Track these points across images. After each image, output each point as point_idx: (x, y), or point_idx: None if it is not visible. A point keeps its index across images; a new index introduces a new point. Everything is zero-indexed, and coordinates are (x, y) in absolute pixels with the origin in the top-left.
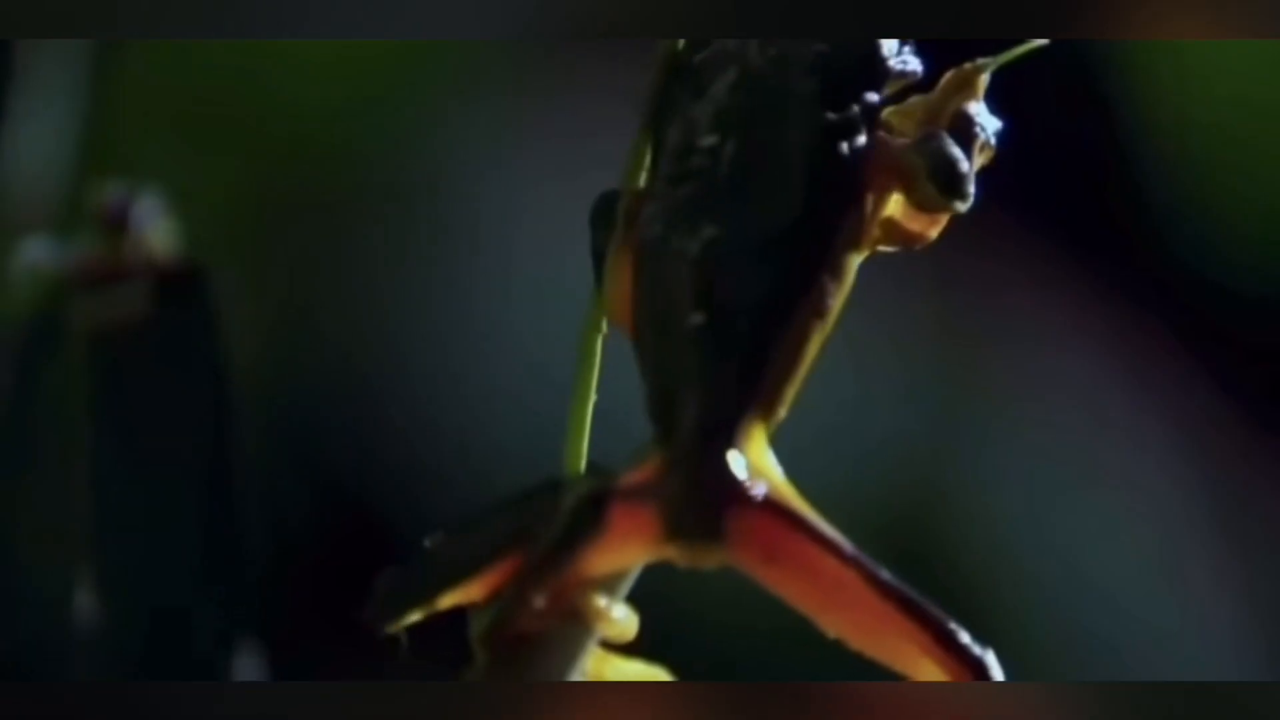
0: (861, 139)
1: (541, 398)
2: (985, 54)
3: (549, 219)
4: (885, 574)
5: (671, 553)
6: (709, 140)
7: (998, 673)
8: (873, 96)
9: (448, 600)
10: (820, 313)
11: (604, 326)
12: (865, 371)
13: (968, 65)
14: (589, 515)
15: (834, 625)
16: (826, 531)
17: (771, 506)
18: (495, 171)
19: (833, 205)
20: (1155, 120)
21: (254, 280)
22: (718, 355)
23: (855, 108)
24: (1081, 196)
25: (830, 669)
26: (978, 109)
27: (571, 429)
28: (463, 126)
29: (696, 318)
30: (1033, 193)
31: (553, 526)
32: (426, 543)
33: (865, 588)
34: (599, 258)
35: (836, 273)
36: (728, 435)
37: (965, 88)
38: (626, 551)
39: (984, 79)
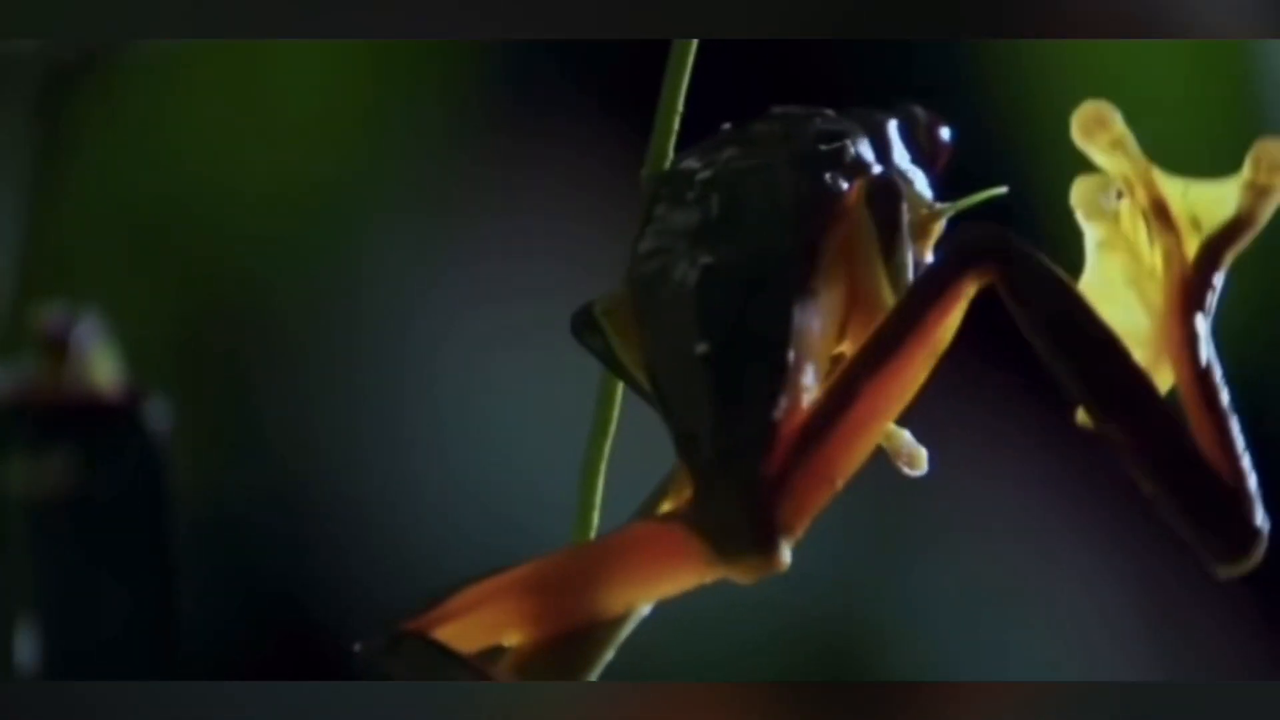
0: (843, 168)
1: (480, 515)
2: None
3: (484, 341)
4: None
5: (728, 574)
6: (701, 176)
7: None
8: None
9: None
10: (814, 332)
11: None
12: None
13: (924, 211)
14: (385, 646)
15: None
16: (824, 406)
17: (796, 474)
18: (433, 297)
19: (816, 229)
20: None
21: (195, 403)
22: (727, 379)
23: (847, 145)
24: (1017, 331)
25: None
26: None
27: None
28: (403, 251)
29: (701, 346)
30: (970, 327)
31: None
32: None
33: (875, 373)
34: (603, 354)
35: (823, 290)
36: (753, 458)
37: (922, 235)
38: (672, 578)
39: (940, 225)
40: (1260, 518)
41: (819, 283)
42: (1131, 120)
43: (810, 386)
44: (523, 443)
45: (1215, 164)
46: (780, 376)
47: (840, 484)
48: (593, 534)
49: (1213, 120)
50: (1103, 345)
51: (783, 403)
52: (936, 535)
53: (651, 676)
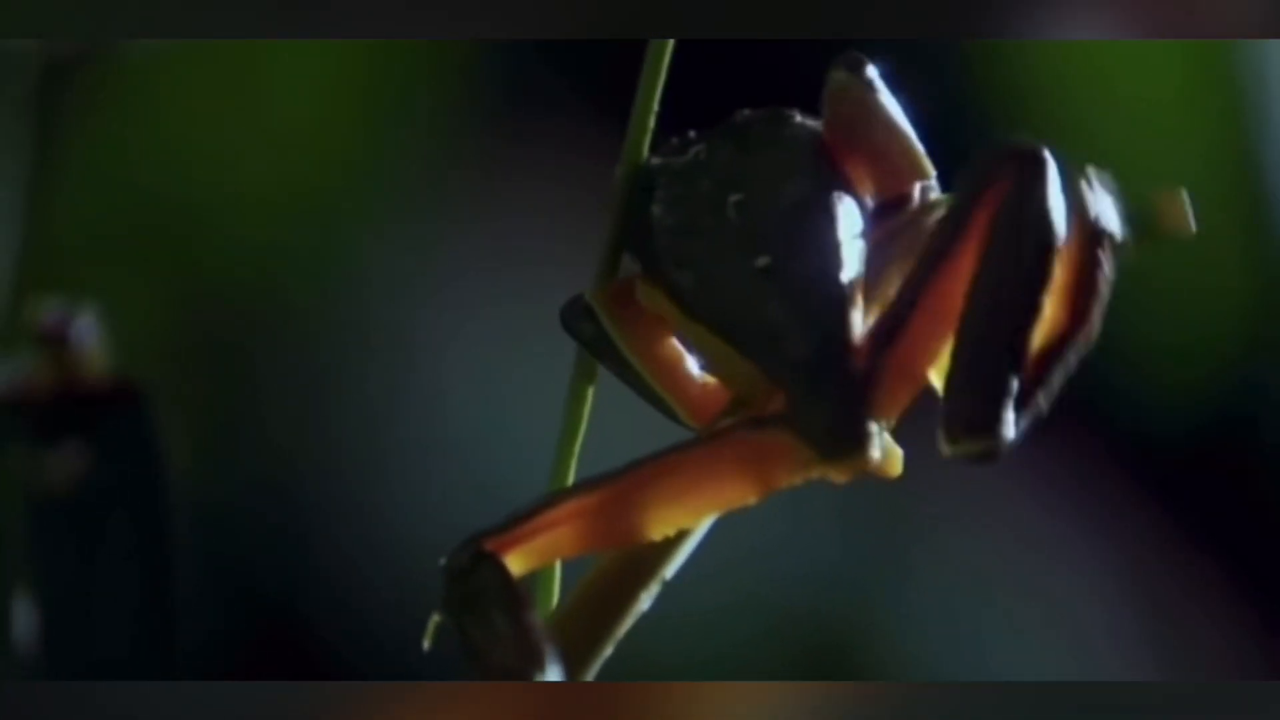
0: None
1: (479, 513)
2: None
3: (478, 335)
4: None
5: (824, 472)
6: (696, 152)
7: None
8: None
9: None
10: (853, 226)
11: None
12: (795, 495)
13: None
14: (467, 563)
15: None
16: (896, 307)
17: (882, 372)
18: (425, 292)
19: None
20: None
21: (192, 398)
22: (793, 283)
23: None
24: None
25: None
26: None
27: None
28: (400, 250)
29: (761, 260)
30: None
31: (447, 602)
32: None
33: (936, 271)
34: (594, 341)
35: (847, 189)
36: (841, 356)
37: None
38: (772, 478)
39: None
40: (1007, 423)
41: (843, 181)
42: (1131, 120)
43: (862, 276)
44: (521, 441)
45: (1214, 163)
46: (842, 269)
47: (922, 381)
48: None
49: (1212, 120)
50: (1026, 280)
51: (856, 295)
52: (934, 535)
53: (651, 676)
